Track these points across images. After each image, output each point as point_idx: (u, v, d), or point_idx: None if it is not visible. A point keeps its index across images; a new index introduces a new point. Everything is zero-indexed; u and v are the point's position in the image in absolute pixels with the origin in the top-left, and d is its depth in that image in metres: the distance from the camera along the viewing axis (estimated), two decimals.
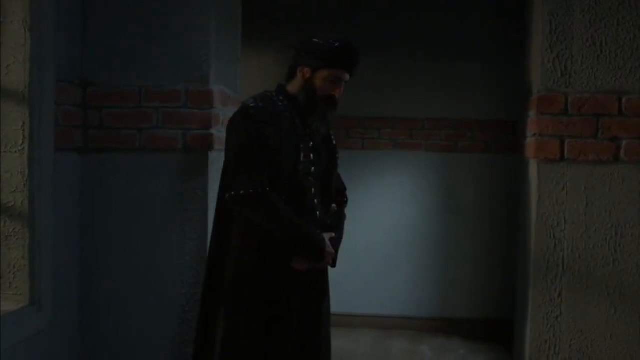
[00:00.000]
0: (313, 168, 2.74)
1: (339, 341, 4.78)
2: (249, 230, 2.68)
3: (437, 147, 5.25)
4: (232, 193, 2.60)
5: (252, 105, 2.67)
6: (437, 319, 5.26)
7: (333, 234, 2.76)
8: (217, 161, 3.22)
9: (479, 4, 5.18)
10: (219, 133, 3.19)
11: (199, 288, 3.15)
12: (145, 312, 3.19)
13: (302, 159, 2.70)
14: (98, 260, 3.20)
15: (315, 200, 2.75)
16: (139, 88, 3.15)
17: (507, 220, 5.00)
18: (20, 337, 2.74)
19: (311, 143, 2.75)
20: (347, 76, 2.75)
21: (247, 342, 2.65)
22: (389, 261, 5.31)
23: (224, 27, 3.32)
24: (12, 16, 2.74)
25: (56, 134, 2.91)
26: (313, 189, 2.74)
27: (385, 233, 5.29)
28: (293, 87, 2.76)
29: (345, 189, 3.01)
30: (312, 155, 2.74)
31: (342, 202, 2.98)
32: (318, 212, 2.74)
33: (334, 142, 2.91)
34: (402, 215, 5.29)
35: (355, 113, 5.28)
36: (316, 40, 2.73)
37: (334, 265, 2.77)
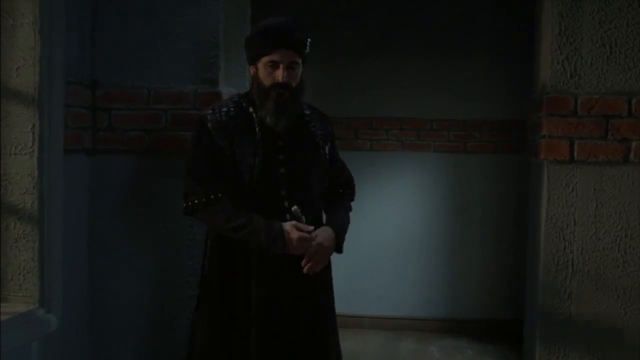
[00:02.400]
0: (282, 169, 2.61)
1: (348, 342, 4.78)
2: (212, 234, 2.66)
3: (445, 148, 5.23)
4: (184, 204, 2.59)
5: (208, 112, 2.62)
6: (446, 320, 5.25)
7: (311, 227, 2.56)
8: None
9: (486, 4, 5.17)
10: None
11: None
12: (154, 313, 3.19)
13: (257, 162, 2.57)
14: (107, 261, 3.20)
15: (286, 203, 2.59)
16: (147, 90, 3.16)
17: (515, 221, 4.99)
18: (30, 338, 2.74)
19: (281, 142, 2.62)
20: (293, 57, 2.54)
21: (213, 346, 2.60)
22: (397, 262, 5.31)
23: (232, 28, 3.33)
24: (21, 18, 2.74)
25: (65, 136, 2.91)
26: (283, 192, 2.60)
27: (393, 234, 5.29)
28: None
29: (349, 180, 2.87)
30: (281, 156, 2.62)
31: (343, 194, 2.84)
32: (288, 215, 2.58)
33: (318, 136, 2.72)
34: (410, 216, 5.28)
35: (363, 114, 5.28)
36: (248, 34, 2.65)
37: (339, 251, 2.63)
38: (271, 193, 2.59)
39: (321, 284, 2.70)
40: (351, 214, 2.85)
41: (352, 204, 2.91)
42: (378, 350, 4.86)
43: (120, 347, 3.22)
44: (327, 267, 2.71)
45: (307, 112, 2.74)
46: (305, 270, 2.53)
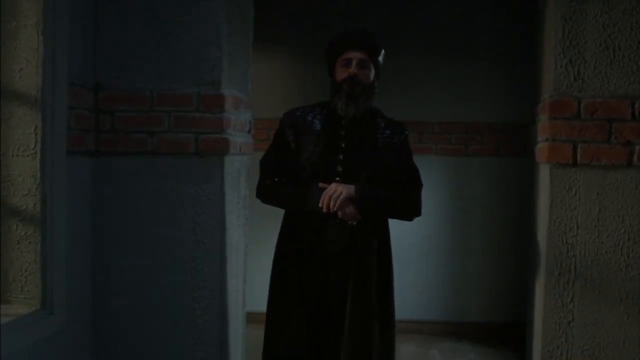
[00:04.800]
0: (340, 167, 2.85)
1: None
2: (284, 216, 2.99)
3: (446, 151, 5.23)
4: (256, 190, 2.99)
5: (286, 112, 2.99)
6: (447, 323, 5.25)
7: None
8: (230, 165, 3.22)
9: (486, 4, 5.17)
10: (231, 137, 3.19)
11: (210, 292, 3.16)
12: (156, 315, 3.19)
13: (316, 158, 2.86)
14: (110, 263, 3.19)
15: None
16: (150, 92, 3.14)
17: (517, 224, 4.99)
18: (32, 340, 2.73)
19: (343, 144, 2.88)
20: (359, 54, 2.83)
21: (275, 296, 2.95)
22: (398, 265, 5.27)
23: (235, 30, 3.32)
24: (24, 20, 2.74)
25: (68, 138, 2.91)
26: None
27: (394, 237, 5.24)
28: None
29: (411, 184, 3.00)
30: (340, 156, 2.87)
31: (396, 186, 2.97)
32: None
33: (381, 143, 2.93)
34: None
35: None
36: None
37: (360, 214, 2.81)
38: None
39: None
40: None
41: None
42: None
43: (123, 349, 3.21)
44: (386, 262, 3.07)
45: (381, 121, 2.97)
46: (320, 204, 2.77)
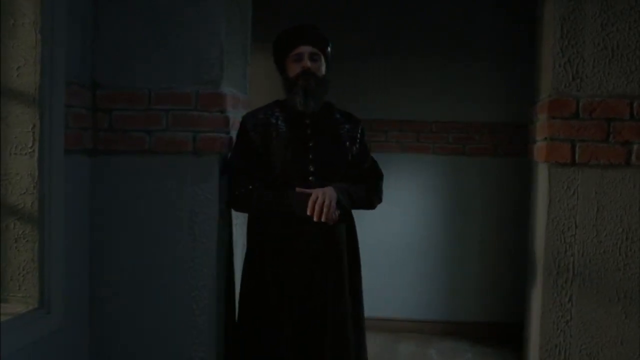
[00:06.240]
0: (311, 166, 2.89)
1: None
2: (249, 219, 3.07)
3: (444, 150, 5.24)
4: (226, 200, 3.04)
5: (247, 113, 3.05)
6: (446, 322, 5.25)
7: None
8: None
9: (486, 4, 5.18)
10: (230, 136, 3.19)
11: (209, 292, 3.15)
12: (155, 315, 3.18)
13: (287, 157, 2.90)
14: (108, 262, 3.18)
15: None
16: (148, 90, 3.13)
17: (515, 224, 4.99)
18: (29, 339, 2.72)
19: (311, 143, 2.94)
20: (309, 48, 2.92)
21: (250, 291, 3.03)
22: (396, 264, 5.31)
23: (235, 30, 3.31)
24: (22, 18, 2.73)
25: (66, 136, 2.90)
26: (312, 188, 2.86)
27: (392, 236, 5.28)
28: None
29: (374, 176, 3.10)
30: (310, 154, 2.92)
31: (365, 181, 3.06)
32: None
33: (345, 137, 3.01)
34: (409, 218, 5.28)
35: (363, 116, 5.21)
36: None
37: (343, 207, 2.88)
38: (299, 186, 2.89)
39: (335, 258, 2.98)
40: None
41: None
42: (377, 352, 4.85)
43: (121, 349, 3.20)
44: (353, 256, 3.12)
45: (338, 116, 3.06)
46: (309, 213, 2.79)
